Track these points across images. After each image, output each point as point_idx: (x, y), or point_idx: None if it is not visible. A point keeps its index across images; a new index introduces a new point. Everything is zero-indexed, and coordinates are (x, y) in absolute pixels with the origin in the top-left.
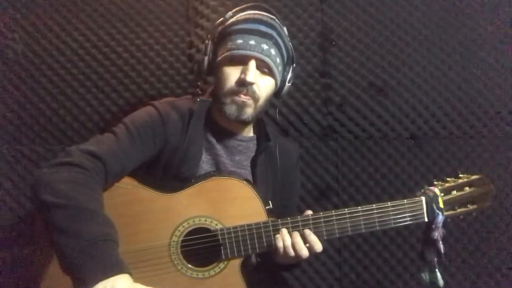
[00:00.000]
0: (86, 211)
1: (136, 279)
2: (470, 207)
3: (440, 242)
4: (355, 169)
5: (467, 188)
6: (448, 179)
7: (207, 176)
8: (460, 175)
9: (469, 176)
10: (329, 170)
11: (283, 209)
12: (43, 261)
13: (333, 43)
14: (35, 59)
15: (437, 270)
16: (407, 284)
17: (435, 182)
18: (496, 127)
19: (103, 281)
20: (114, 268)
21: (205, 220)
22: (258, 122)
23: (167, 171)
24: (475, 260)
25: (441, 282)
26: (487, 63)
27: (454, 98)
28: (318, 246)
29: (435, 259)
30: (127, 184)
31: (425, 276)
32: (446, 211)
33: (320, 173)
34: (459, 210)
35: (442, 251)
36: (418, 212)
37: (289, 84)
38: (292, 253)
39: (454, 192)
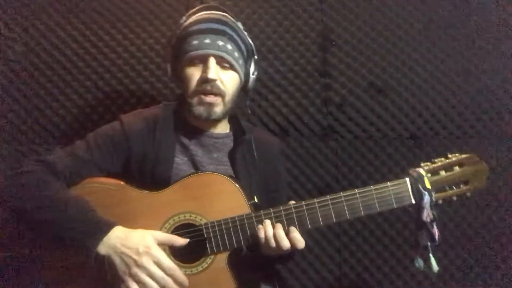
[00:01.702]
0: (58, 201)
1: None
2: (463, 187)
3: (433, 224)
4: (355, 169)
5: (457, 168)
6: (436, 160)
7: (188, 174)
8: (449, 155)
9: (457, 155)
10: (329, 170)
11: (272, 202)
12: (43, 261)
13: (333, 43)
14: (35, 59)
15: (431, 255)
16: (407, 284)
17: (422, 164)
18: (496, 127)
19: (104, 239)
20: (109, 225)
21: (190, 216)
22: (233, 118)
23: (142, 177)
24: (475, 260)
25: (435, 267)
26: (487, 63)
27: (454, 98)
28: (300, 244)
29: (429, 243)
30: (114, 185)
31: (418, 262)
32: (436, 192)
33: (320, 173)
34: (450, 192)
35: (436, 234)
36: (403, 194)
37: (254, 76)
38: (273, 243)
39: (443, 173)
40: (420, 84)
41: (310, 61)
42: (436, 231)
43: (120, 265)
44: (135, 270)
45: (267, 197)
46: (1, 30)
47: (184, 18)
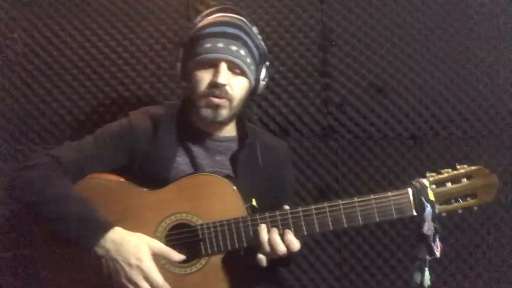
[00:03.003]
0: (60, 197)
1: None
2: (470, 200)
3: (435, 238)
4: (355, 169)
5: (464, 180)
6: (442, 171)
7: (186, 174)
8: (458, 166)
9: (466, 166)
10: (329, 170)
11: (276, 207)
12: (43, 261)
13: (333, 43)
14: (35, 59)
15: (426, 269)
16: (407, 284)
17: (427, 174)
18: (496, 127)
19: (101, 240)
20: (107, 226)
21: (186, 216)
22: (240, 121)
23: (143, 175)
24: (475, 260)
25: (427, 283)
26: (487, 63)
27: (454, 98)
28: (295, 246)
29: (427, 257)
30: (114, 181)
31: (415, 277)
32: (440, 204)
33: (320, 173)
34: (456, 204)
35: (438, 248)
36: (404, 205)
37: (264, 82)
38: (267, 248)
39: (449, 184)
40: (420, 84)
41: (310, 61)
42: (438, 244)
43: (113, 270)
44: (124, 280)
45: (271, 202)
46: (1, 30)
47: (199, 18)
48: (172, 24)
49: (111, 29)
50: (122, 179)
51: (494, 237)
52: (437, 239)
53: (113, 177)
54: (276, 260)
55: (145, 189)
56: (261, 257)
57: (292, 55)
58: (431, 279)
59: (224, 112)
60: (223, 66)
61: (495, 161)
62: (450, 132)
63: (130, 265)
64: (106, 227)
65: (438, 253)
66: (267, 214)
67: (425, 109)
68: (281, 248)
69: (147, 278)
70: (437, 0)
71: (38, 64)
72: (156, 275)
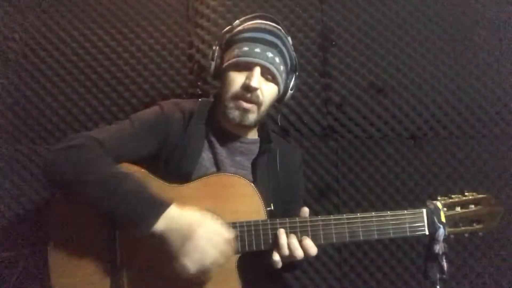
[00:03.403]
0: (115, 176)
1: (136, 266)
2: (476, 226)
3: (443, 258)
4: (355, 169)
5: (472, 206)
6: (453, 195)
7: (211, 172)
8: (466, 193)
9: (475, 194)
10: (329, 170)
11: (286, 212)
12: (43, 261)
13: (333, 43)
14: (35, 59)
15: (438, 287)
16: (407, 284)
17: (439, 197)
18: (496, 127)
19: (161, 217)
20: (163, 204)
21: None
22: (262, 126)
23: (168, 166)
24: (475, 260)
25: None
26: (487, 63)
27: (454, 98)
28: (313, 250)
29: (437, 275)
30: (138, 172)
31: None
32: (449, 227)
33: (320, 173)
34: (463, 228)
35: (445, 267)
36: (418, 224)
37: (291, 91)
38: (286, 252)
39: (458, 209)
40: (420, 84)
41: (310, 61)
42: (445, 264)
43: (175, 240)
44: (189, 244)
45: (284, 206)
46: (1, 30)
47: (238, 22)
48: (172, 24)
49: (111, 29)
50: (143, 170)
51: (494, 237)
52: (444, 260)
53: (136, 167)
54: (288, 265)
55: (167, 184)
56: (278, 259)
57: None
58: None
59: (252, 117)
60: (257, 71)
61: (495, 161)
62: (450, 132)
63: (192, 228)
64: (166, 205)
65: (446, 273)
66: (287, 220)
67: (425, 109)
68: (300, 253)
69: (213, 233)
70: (437, 0)
71: (38, 64)
72: (221, 229)
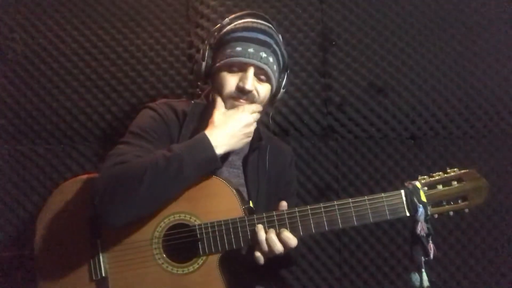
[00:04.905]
0: (154, 161)
1: (120, 273)
2: (461, 203)
3: (428, 239)
4: (355, 169)
5: (455, 183)
6: (434, 174)
7: None
8: (448, 170)
9: (456, 170)
10: (329, 170)
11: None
12: (42, 262)
13: (333, 43)
14: (35, 59)
15: (423, 270)
16: (407, 284)
17: (419, 177)
18: (496, 127)
19: (213, 145)
20: (204, 137)
21: (184, 216)
22: None
23: None
24: (475, 260)
25: (425, 283)
26: (487, 63)
27: (454, 98)
28: (292, 242)
29: (422, 258)
30: None
31: (414, 278)
32: (433, 207)
33: (320, 173)
34: (447, 206)
35: (431, 250)
36: (397, 206)
37: (283, 90)
38: (265, 247)
39: (440, 187)
40: (420, 84)
41: (310, 61)
42: (431, 246)
43: (233, 127)
44: (233, 132)
45: (275, 204)
46: (1, 30)
47: (227, 20)
48: (172, 24)
49: (111, 29)
50: None
51: (494, 237)
52: (430, 241)
53: None
54: (277, 260)
55: None
56: (259, 255)
57: (292, 55)
58: (430, 280)
59: None
60: (251, 72)
61: (495, 161)
62: (450, 132)
63: (226, 124)
64: (205, 138)
65: (431, 255)
66: (264, 215)
67: (425, 109)
68: (278, 247)
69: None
70: (437, 0)
71: (38, 64)
72: (239, 114)
